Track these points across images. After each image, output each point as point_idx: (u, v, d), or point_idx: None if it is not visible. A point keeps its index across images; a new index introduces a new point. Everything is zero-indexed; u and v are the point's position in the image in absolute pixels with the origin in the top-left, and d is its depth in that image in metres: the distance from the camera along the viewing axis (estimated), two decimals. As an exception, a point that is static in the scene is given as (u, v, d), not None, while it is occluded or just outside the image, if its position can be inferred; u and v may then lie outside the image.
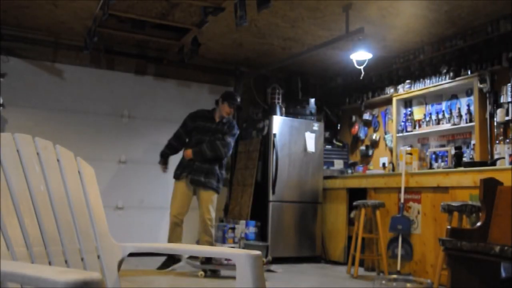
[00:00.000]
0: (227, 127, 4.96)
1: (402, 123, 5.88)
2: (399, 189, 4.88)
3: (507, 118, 4.68)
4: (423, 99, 5.76)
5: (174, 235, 4.82)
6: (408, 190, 4.85)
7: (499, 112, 4.74)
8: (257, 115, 6.58)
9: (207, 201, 4.81)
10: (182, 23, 5.12)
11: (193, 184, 4.83)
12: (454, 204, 3.81)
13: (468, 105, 5.17)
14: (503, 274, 3.40)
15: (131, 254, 1.78)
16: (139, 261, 5.18)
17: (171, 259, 4.78)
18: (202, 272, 4.54)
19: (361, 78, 5.44)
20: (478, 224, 3.30)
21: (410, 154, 5.20)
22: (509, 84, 4.67)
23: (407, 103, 5.96)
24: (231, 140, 4.94)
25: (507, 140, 4.62)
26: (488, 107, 4.87)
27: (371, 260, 5.22)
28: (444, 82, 5.31)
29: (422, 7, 4.58)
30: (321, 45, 5.41)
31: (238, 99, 5.07)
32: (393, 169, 5.71)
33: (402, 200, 4.82)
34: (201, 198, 4.84)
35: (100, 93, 5.98)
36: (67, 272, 0.86)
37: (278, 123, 5.94)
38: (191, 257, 4.72)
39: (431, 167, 5.45)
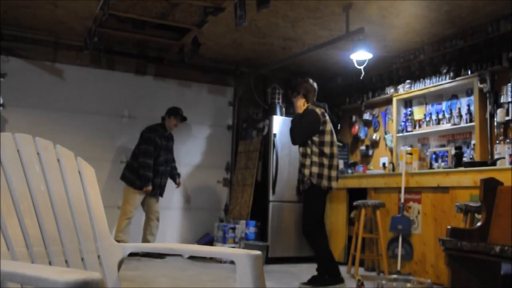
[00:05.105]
0: (172, 141, 5.75)
1: (402, 123, 5.88)
2: (399, 189, 4.88)
3: (507, 118, 4.68)
4: (423, 99, 5.76)
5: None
6: (408, 190, 4.85)
7: (499, 112, 4.73)
8: (257, 115, 6.58)
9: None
10: (183, 23, 5.12)
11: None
12: (471, 204, 3.73)
13: (468, 105, 5.17)
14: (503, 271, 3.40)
15: (131, 254, 1.79)
16: (139, 261, 5.18)
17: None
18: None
19: (361, 78, 5.43)
20: (478, 224, 3.30)
21: (410, 154, 5.21)
22: (509, 84, 4.67)
23: (407, 103, 5.96)
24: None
25: (507, 140, 4.61)
26: (488, 107, 4.86)
27: (371, 260, 5.22)
28: (444, 82, 5.30)
29: (422, 7, 4.58)
30: (321, 45, 5.41)
31: (181, 112, 5.68)
32: (393, 169, 5.71)
33: (402, 200, 4.82)
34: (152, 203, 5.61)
35: (100, 93, 5.98)
36: (67, 272, 0.86)
37: (278, 123, 5.94)
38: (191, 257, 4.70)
39: (431, 167, 5.45)
